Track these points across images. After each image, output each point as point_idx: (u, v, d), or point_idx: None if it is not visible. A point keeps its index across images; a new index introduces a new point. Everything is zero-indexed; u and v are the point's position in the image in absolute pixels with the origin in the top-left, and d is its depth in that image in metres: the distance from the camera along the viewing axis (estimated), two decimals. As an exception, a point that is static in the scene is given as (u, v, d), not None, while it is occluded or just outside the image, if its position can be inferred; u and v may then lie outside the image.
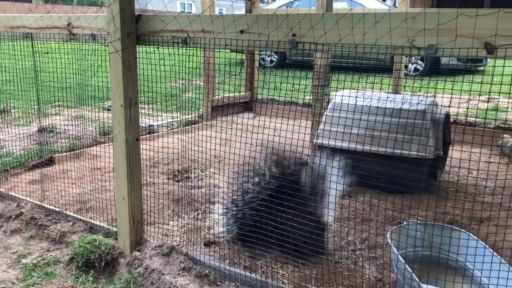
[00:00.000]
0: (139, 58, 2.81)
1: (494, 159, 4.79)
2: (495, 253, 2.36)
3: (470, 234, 2.58)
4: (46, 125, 5.57)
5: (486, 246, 2.44)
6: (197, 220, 3.42)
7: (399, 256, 2.35)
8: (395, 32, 1.93)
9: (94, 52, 3.44)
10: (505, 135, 5.33)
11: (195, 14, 2.55)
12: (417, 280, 2.16)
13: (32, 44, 3.58)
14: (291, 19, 2.17)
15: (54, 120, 5.72)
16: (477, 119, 6.13)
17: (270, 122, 2.62)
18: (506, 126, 5.85)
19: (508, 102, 5.61)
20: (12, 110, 6.13)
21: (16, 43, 3.77)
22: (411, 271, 2.20)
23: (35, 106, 4.34)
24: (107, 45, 2.75)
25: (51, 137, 5.40)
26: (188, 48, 2.63)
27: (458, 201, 3.67)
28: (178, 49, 2.68)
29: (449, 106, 3.95)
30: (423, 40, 1.89)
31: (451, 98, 2.28)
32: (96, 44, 3.02)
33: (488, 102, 6.97)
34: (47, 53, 3.79)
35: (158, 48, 2.76)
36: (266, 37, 2.25)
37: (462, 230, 2.64)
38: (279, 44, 2.23)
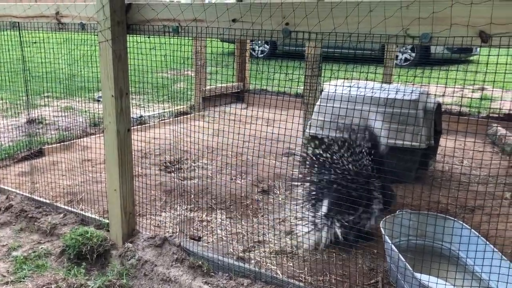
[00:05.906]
0: (129, 47, 2.76)
1: (485, 149, 4.82)
2: (487, 242, 2.37)
3: (463, 223, 2.60)
4: (35, 117, 5.49)
5: (479, 235, 2.45)
6: (190, 211, 3.40)
7: (392, 246, 2.35)
8: (389, 21, 1.91)
9: (84, 42, 3.38)
10: (495, 125, 5.36)
11: (187, 2, 2.51)
12: (411, 269, 2.16)
13: (20, 34, 3.51)
14: (285, 7, 2.14)
15: (43, 111, 5.64)
16: (468, 109, 6.15)
17: (263, 112, 2.60)
18: (496, 115, 5.88)
19: (502, 91, 5.64)
20: (0, 101, 6.03)
21: (2, 33, 3.69)
22: (404, 260, 2.21)
23: (23, 97, 4.27)
24: (97, 35, 2.71)
25: (41, 128, 5.33)
26: (179, 38, 2.59)
27: (450, 191, 3.69)
28: (169, 38, 2.64)
29: (442, 95, 3.95)
30: (417, 29, 1.87)
31: (445, 88, 2.28)
32: (86, 33, 2.97)
33: (482, 90, 6.98)
34: (35, 43, 3.71)
35: (149, 37, 2.71)
36: (259, 26, 2.22)
37: (454, 219, 2.65)
38: (272, 33, 2.20)
